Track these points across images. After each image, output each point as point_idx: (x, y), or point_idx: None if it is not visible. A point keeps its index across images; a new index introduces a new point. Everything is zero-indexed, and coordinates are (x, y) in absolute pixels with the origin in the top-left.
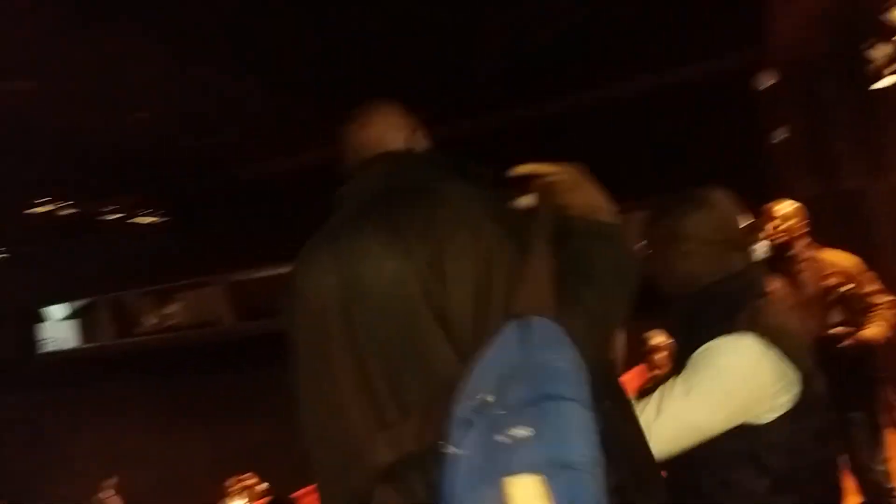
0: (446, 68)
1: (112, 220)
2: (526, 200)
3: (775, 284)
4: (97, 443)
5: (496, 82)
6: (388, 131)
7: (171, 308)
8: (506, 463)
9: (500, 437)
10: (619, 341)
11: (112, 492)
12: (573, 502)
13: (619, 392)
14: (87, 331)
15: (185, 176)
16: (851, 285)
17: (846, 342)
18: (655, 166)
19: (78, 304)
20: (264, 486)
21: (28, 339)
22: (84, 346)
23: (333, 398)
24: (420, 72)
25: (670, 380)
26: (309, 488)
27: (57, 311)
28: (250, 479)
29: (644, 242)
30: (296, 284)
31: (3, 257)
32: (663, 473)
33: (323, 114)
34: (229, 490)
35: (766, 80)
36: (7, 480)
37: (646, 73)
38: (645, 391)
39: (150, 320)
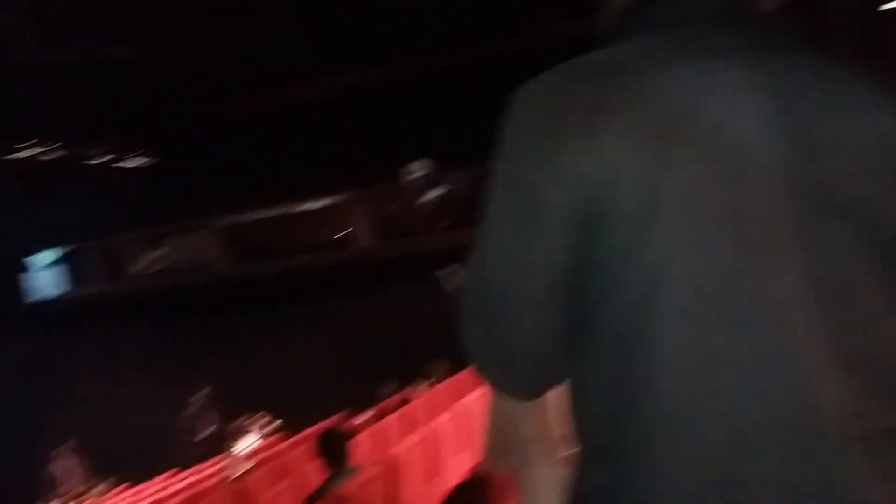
0: None
1: (99, 163)
2: None
3: None
4: (92, 389)
5: None
6: None
7: (162, 252)
8: None
9: None
10: None
11: (70, 454)
12: None
13: None
14: (76, 278)
15: (173, 115)
16: None
17: None
18: None
19: (66, 250)
20: (274, 424)
21: (14, 288)
22: (73, 293)
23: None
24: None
25: None
26: (315, 427)
27: (44, 259)
28: (258, 418)
29: None
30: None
31: None
32: None
33: (315, 44)
34: (237, 429)
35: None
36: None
37: None
38: None
39: (141, 265)
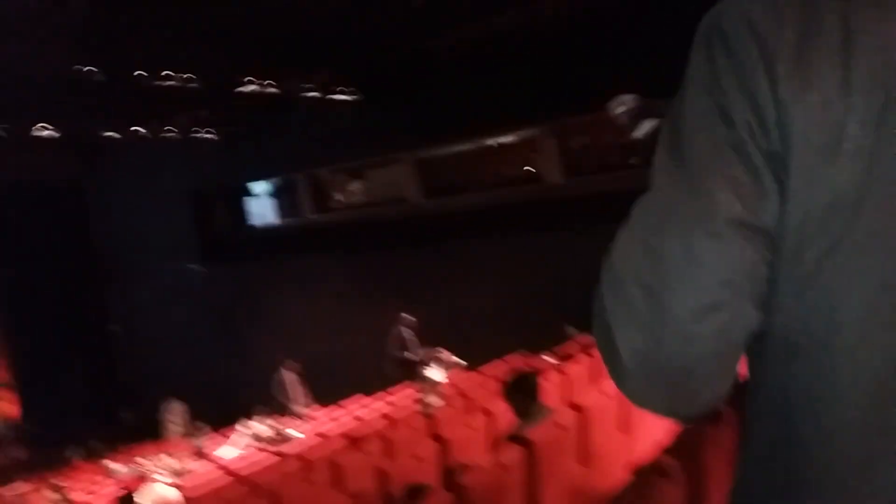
0: None
1: (309, 97)
2: None
3: None
4: (296, 311)
5: None
6: None
7: (364, 184)
8: None
9: None
10: None
11: (293, 372)
12: None
13: None
14: (288, 206)
15: (376, 51)
16: None
17: None
18: None
19: (279, 180)
20: (458, 360)
21: (237, 213)
22: (286, 220)
23: None
24: None
25: None
26: (499, 363)
27: (261, 187)
28: (443, 352)
29: None
30: None
31: (212, 139)
32: None
33: None
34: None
35: None
36: (229, 335)
37: None
38: None
39: (342, 196)
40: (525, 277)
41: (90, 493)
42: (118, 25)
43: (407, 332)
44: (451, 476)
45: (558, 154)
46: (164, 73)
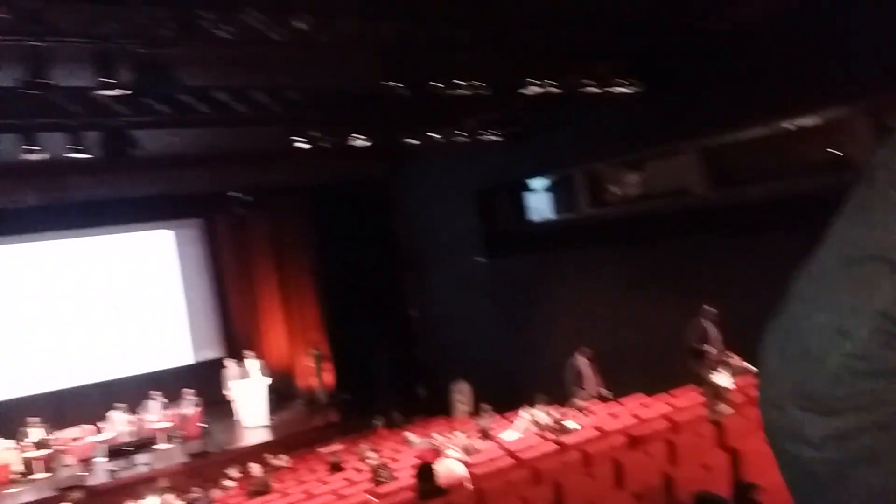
0: None
1: (588, 93)
2: None
3: None
4: (575, 304)
5: None
6: None
7: (642, 177)
8: None
9: None
10: None
11: (585, 359)
12: None
13: None
14: (565, 201)
15: (659, 37)
16: None
17: None
18: None
19: (556, 175)
20: (747, 366)
21: (518, 209)
22: (563, 215)
23: None
24: None
25: None
26: None
27: (541, 184)
28: (732, 356)
29: None
30: None
31: (499, 138)
32: None
33: None
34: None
35: None
36: (511, 325)
37: None
38: None
39: (622, 189)
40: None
41: (393, 459)
42: (417, 44)
43: (708, 325)
44: (744, 493)
45: (873, 136)
46: (454, 82)
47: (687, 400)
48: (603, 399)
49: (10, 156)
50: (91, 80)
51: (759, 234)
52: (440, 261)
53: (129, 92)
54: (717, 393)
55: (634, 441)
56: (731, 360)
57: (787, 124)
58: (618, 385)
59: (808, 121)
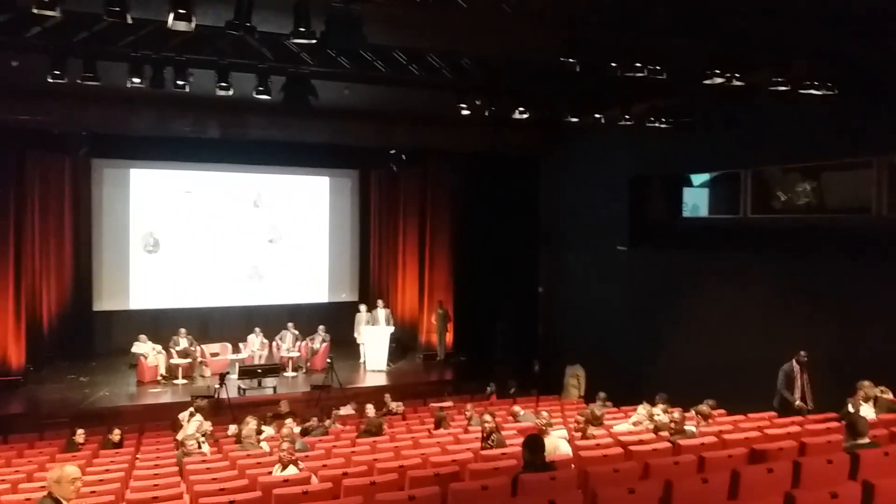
0: None
1: (776, 91)
2: None
3: None
4: (716, 309)
5: None
6: None
7: (815, 187)
8: None
9: None
10: None
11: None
12: None
13: None
14: (726, 201)
15: (863, 38)
16: None
17: None
18: None
19: (722, 174)
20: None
21: (674, 202)
22: (721, 215)
23: None
24: None
25: None
26: None
27: (702, 179)
28: (880, 389)
29: None
30: None
31: (665, 127)
32: None
33: None
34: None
35: None
36: (642, 319)
37: None
38: None
39: (789, 198)
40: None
41: (500, 427)
42: (604, 22)
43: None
44: None
45: None
46: (635, 64)
47: (823, 426)
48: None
49: (202, 90)
50: (286, 26)
51: None
52: (579, 242)
53: (315, 41)
54: (857, 424)
55: (757, 455)
56: (879, 394)
57: None
58: (747, 401)
59: None
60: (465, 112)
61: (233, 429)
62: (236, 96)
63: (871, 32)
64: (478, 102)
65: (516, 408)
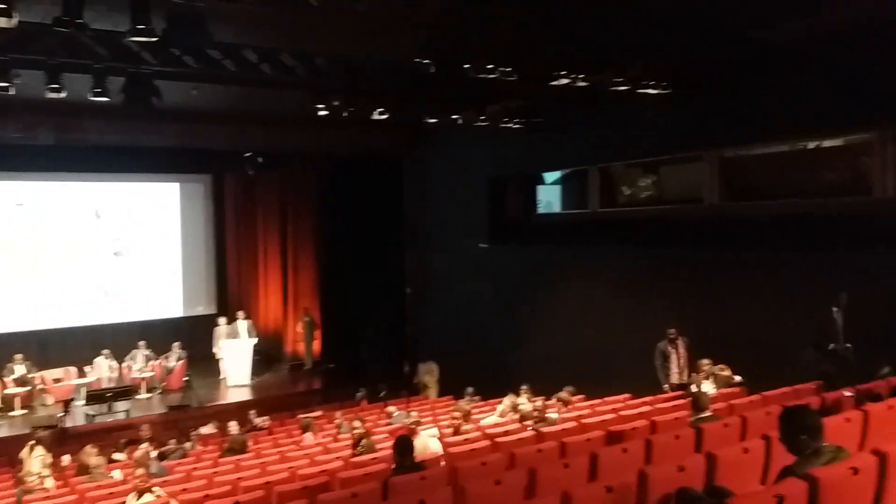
0: None
1: (618, 91)
2: None
3: None
4: (573, 299)
5: None
6: None
7: (655, 181)
8: None
9: None
10: None
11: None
12: None
13: None
14: (577, 196)
15: (695, 41)
16: None
17: None
18: None
19: (572, 171)
20: (737, 377)
21: (529, 200)
22: (572, 210)
23: None
24: None
25: None
26: (786, 389)
27: (554, 177)
28: (720, 367)
29: None
30: None
31: (518, 127)
32: None
33: None
34: (698, 371)
35: None
36: (508, 310)
37: None
38: None
39: (633, 192)
40: (833, 300)
41: (371, 432)
42: (458, 24)
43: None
44: (717, 496)
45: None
46: (487, 66)
47: (672, 404)
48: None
49: (32, 92)
50: (122, 24)
51: (765, 249)
52: (444, 241)
53: (157, 40)
54: (700, 400)
55: (613, 437)
56: (718, 371)
57: (809, 143)
58: (606, 384)
59: (830, 142)
60: (322, 113)
61: (66, 459)
62: (71, 98)
63: (699, 36)
64: (336, 103)
65: (391, 408)
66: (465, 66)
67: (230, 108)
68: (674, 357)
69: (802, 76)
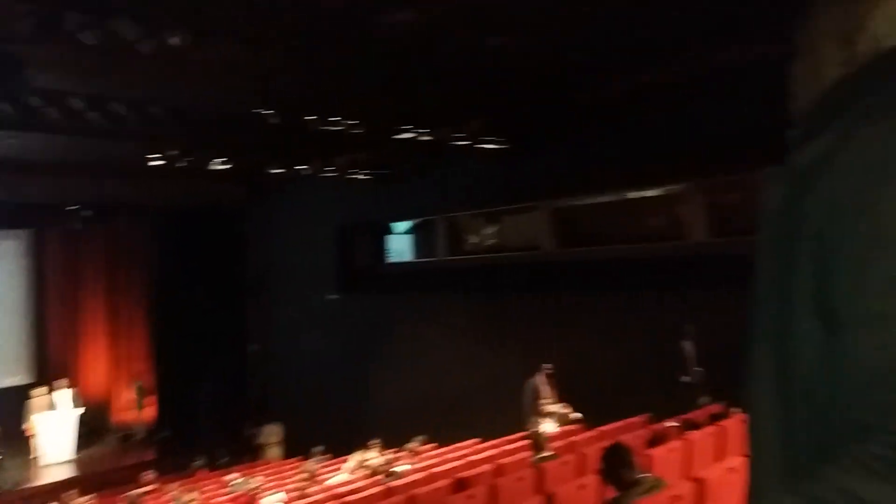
0: None
1: (459, 145)
2: None
3: None
4: (424, 347)
5: None
6: None
7: (497, 230)
8: None
9: None
10: None
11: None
12: None
13: None
14: (425, 246)
15: (528, 101)
16: None
17: None
18: None
19: (419, 221)
20: (576, 415)
21: (379, 249)
22: (421, 259)
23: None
24: None
25: None
26: (619, 424)
27: (402, 227)
28: (561, 406)
29: None
30: None
31: (366, 178)
32: None
33: (673, 28)
34: (540, 411)
35: None
36: (357, 362)
37: None
38: None
39: (477, 240)
40: (657, 337)
41: (209, 498)
42: (297, 76)
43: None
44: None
45: (705, 211)
46: (331, 118)
47: (516, 446)
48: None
49: None
50: None
51: (598, 292)
52: (290, 294)
53: None
54: (538, 440)
55: (460, 484)
56: (560, 411)
57: (632, 194)
58: (458, 431)
59: (649, 192)
60: (157, 163)
61: None
62: None
63: (532, 94)
64: (171, 153)
65: (231, 475)
66: (308, 117)
67: (54, 158)
68: (544, 393)
69: (626, 133)
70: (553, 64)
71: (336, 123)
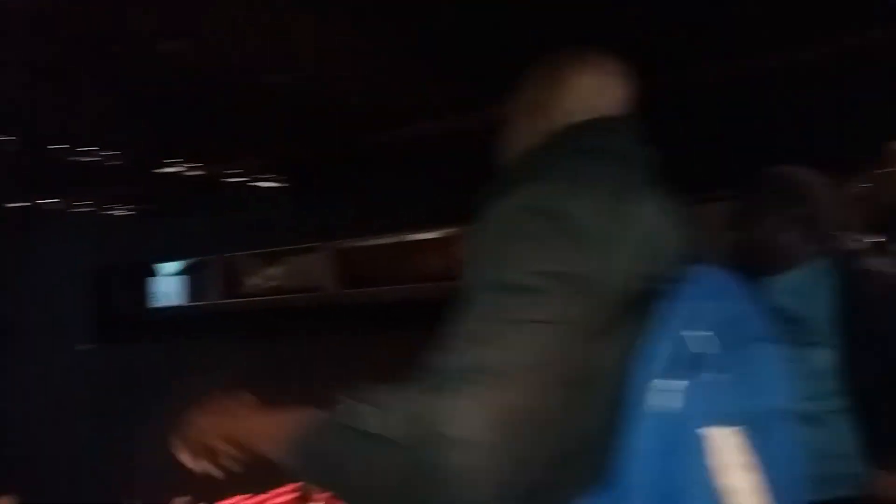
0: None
1: (233, 182)
2: None
3: None
4: (199, 392)
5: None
6: (606, 90)
7: (277, 271)
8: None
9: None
10: None
11: None
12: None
13: None
14: (196, 288)
15: (308, 142)
16: None
17: None
18: None
19: (190, 262)
20: None
21: (142, 293)
22: (192, 302)
23: None
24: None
25: None
26: None
27: (170, 268)
28: None
29: None
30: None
31: (128, 214)
32: None
33: (455, 77)
34: None
35: None
36: (114, 422)
37: None
38: None
39: (256, 282)
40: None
41: None
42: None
43: None
44: None
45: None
46: (85, 148)
47: (288, 496)
48: None
49: None
50: None
51: (381, 332)
52: (30, 347)
53: None
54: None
55: None
56: None
57: (409, 236)
58: (232, 487)
59: (429, 234)
60: None
61: None
62: None
63: (311, 135)
64: None
65: None
66: (56, 146)
67: None
68: None
69: (402, 178)
70: (335, 107)
71: (89, 154)
